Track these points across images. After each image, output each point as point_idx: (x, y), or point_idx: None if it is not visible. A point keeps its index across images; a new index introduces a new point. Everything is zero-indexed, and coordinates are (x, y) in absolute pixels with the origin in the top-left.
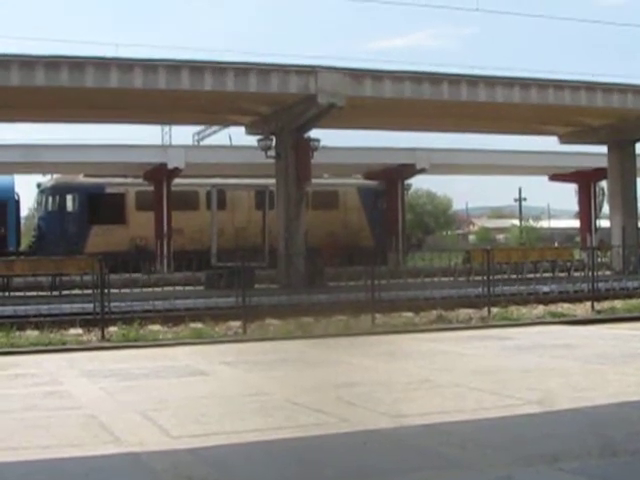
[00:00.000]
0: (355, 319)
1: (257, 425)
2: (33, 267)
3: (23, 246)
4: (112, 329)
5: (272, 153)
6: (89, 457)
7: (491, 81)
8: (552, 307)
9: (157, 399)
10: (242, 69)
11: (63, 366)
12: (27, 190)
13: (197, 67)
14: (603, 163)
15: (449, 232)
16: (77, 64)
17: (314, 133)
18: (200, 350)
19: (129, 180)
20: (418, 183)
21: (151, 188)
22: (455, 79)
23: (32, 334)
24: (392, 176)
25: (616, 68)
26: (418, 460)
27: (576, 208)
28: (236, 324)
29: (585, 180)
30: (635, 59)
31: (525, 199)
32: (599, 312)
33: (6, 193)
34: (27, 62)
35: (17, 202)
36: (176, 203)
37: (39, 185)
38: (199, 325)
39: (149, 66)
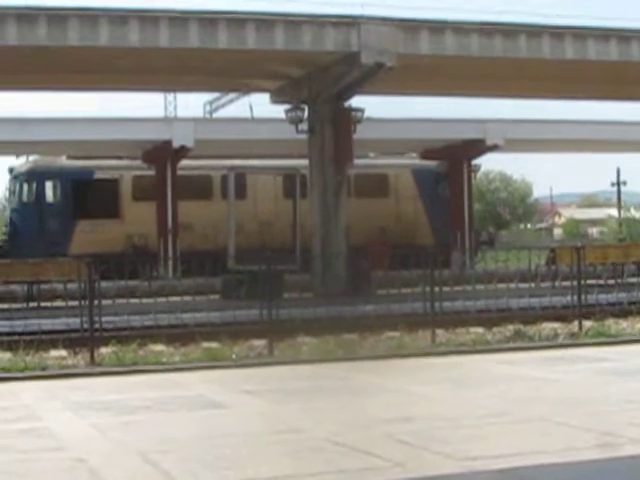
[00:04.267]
0: (411, 336)
1: (289, 470)
2: (5, 272)
3: None
4: (104, 350)
5: (304, 127)
6: None
7: (581, 33)
8: None
9: (162, 438)
10: (266, 21)
11: (43, 397)
12: None
13: (209, 19)
14: None
15: (529, 225)
16: (58, 17)
17: (356, 101)
18: (216, 376)
19: (124, 163)
20: (489, 164)
21: (152, 172)
22: (535, 31)
23: (4, 357)
24: (456, 155)
25: None
26: None
27: None
28: (260, 343)
29: None
30: None
31: (625, 183)
32: None
33: None
34: None
35: None
36: (184, 191)
37: (11, 170)
38: (214, 345)
39: (148, 18)
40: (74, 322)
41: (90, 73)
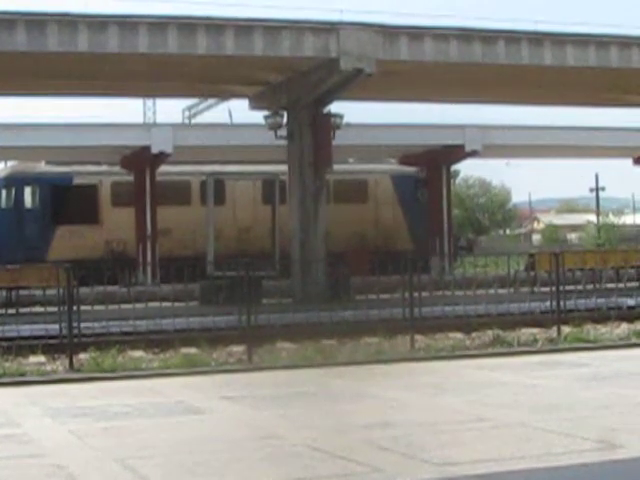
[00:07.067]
0: (390, 342)
1: (267, 476)
2: None
3: None
4: (83, 356)
5: (283, 133)
6: None
7: (559, 39)
8: (639, 325)
9: (141, 444)
10: (244, 27)
11: (22, 403)
12: None
13: (188, 25)
14: None
15: (508, 231)
16: (36, 22)
17: (336, 107)
18: (194, 382)
19: (103, 168)
20: (468, 169)
21: (131, 178)
22: (514, 37)
23: None
24: (435, 161)
25: None
26: None
27: None
28: (239, 349)
29: None
30: None
31: (603, 189)
32: None
33: None
34: None
35: None
36: (162, 197)
37: None
38: (193, 351)
39: (127, 24)
40: (53, 328)
41: (69, 79)
